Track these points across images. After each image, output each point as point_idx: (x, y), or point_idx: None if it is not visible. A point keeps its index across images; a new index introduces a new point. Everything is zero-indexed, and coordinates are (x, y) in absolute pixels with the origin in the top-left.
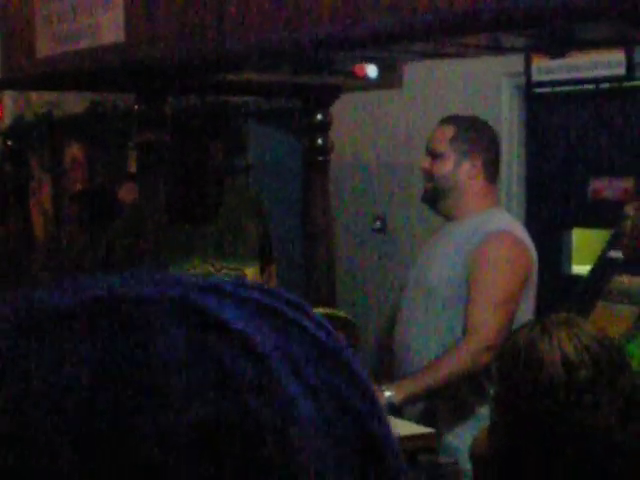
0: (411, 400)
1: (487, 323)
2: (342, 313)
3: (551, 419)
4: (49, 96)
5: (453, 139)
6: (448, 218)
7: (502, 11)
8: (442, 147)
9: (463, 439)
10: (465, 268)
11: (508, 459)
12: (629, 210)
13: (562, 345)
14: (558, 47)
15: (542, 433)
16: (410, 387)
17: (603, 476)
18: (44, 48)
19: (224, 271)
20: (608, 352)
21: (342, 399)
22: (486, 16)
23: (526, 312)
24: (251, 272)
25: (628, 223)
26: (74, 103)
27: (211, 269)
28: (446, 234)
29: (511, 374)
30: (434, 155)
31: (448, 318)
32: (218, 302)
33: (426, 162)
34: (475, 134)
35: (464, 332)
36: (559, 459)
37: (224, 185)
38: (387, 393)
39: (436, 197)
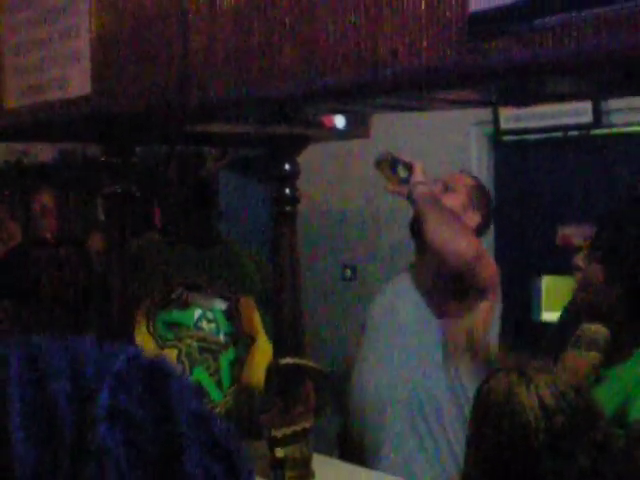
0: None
1: None
2: (311, 363)
3: (526, 464)
4: (19, 144)
5: (472, 187)
6: (421, 251)
7: (466, 67)
8: (459, 188)
9: None
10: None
11: None
12: (579, 262)
13: (540, 390)
14: (524, 101)
15: (517, 478)
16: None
17: None
18: (12, 100)
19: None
20: (584, 400)
21: None
22: (449, 72)
23: None
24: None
25: (579, 275)
26: (44, 151)
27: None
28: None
29: (488, 418)
30: (447, 189)
31: (420, 361)
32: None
33: (439, 188)
34: (486, 194)
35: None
36: None
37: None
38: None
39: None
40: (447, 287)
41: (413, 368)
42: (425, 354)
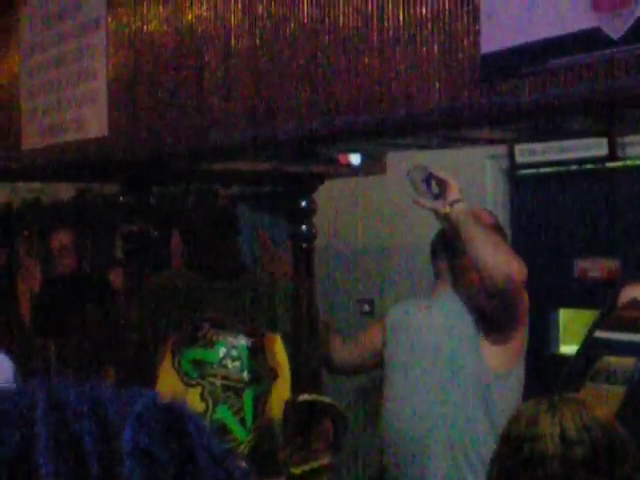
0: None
1: None
2: (329, 400)
3: None
4: (37, 183)
5: (492, 223)
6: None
7: (479, 108)
8: (483, 222)
9: None
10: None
11: None
12: None
13: (564, 420)
14: (539, 138)
15: None
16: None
17: None
18: (30, 140)
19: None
20: (609, 438)
21: None
22: (462, 113)
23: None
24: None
25: None
26: (62, 190)
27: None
28: (439, 302)
29: (510, 440)
30: None
31: (459, 392)
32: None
33: None
34: (503, 232)
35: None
36: None
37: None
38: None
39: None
40: (493, 311)
41: (451, 400)
42: (464, 383)
